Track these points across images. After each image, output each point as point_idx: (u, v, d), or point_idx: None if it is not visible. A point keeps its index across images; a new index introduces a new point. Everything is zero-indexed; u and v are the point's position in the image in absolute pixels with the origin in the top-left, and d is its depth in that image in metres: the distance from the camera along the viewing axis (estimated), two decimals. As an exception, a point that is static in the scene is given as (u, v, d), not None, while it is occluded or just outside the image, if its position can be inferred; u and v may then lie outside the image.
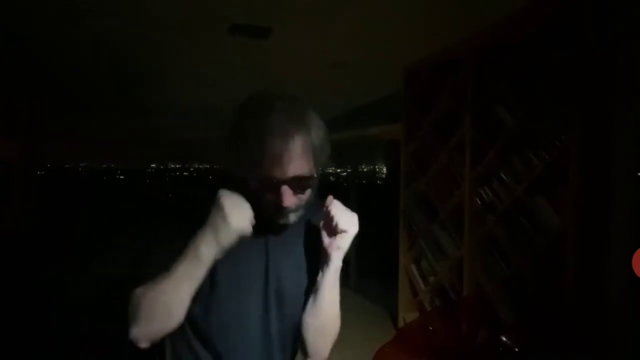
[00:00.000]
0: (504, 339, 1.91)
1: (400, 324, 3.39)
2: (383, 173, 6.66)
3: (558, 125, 2.13)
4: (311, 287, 0.97)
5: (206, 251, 0.81)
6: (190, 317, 0.87)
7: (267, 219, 0.88)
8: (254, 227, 0.84)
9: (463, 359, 2.02)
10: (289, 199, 0.84)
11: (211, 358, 0.93)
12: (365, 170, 6.99)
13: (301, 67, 3.37)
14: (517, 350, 1.85)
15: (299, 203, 0.88)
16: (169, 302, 0.82)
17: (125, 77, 3.73)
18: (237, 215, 0.81)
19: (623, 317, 1.91)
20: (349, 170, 5.68)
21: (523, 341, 1.89)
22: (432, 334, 2.22)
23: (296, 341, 1.01)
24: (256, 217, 0.85)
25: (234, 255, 0.86)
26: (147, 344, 0.83)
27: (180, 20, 2.43)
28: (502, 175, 2.48)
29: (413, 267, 3.35)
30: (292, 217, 0.89)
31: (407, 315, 3.34)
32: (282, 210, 0.86)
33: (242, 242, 0.84)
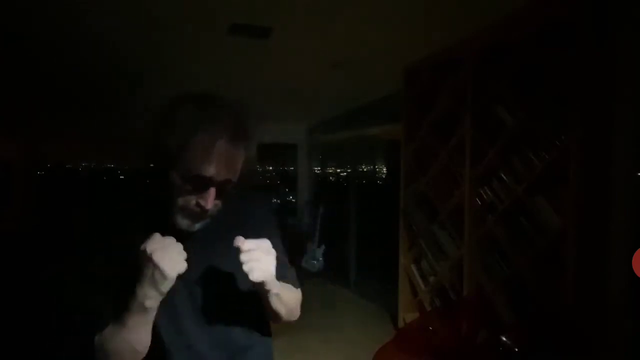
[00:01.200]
0: (504, 339, 1.91)
1: (400, 324, 3.39)
2: (383, 173, 6.66)
3: (558, 125, 2.13)
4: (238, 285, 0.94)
5: (151, 303, 0.80)
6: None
7: (174, 220, 0.87)
8: (172, 229, 0.84)
9: (463, 359, 2.02)
10: (211, 202, 0.84)
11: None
12: (365, 170, 6.98)
13: (301, 67, 3.37)
14: (517, 350, 1.86)
15: (213, 209, 0.86)
16: (133, 345, 0.85)
17: (125, 77, 3.73)
18: (174, 265, 0.78)
19: (623, 317, 1.91)
20: (349, 170, 5.68)
21: (523, 341, 1.89)
22: (432, 334, 2.23)
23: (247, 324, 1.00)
24: (166, 217, 0.86)
25: None
26: None
27: (180, 20, 2.43)
28: (502, 175, 2.48)
29: (413, 267, 3.35)
30: (198, 226, 0.87)
31: (407, 315, 3.34)
32: (201, 214, 0.85)
33: None
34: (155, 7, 2.24)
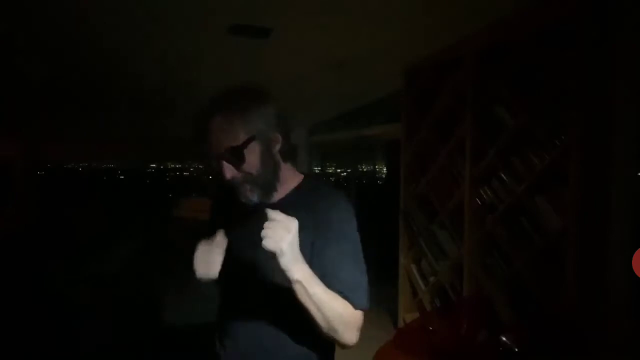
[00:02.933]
0: (504, 339, 1.91)
1: (400, 324, 3.39)
2: (383, 173, 6.65)
3: (558, 125, 2.13)
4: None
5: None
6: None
7: (236, 199, 1.00)
8: (237, 208, 1.03)
9: (463, 359, 2.02)
10: (228, 171, 0.96)
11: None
12: (365, 170, 6.98)
13: (301, 67, 3.37)
14: (517, 350, 1.85)
15: (245, 176, 0.98)
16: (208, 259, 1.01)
17: (125, 77, 3.73)
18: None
19: (623, 317, 1.91)
20: (348, 171, 5.67)
21: (523, 341, 1.89)
22: (432, 334, 2.22)
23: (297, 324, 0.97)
24: (228, 198, 1.03)
25: (236, 230, 1.03)
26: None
27: (180, 20, 2.43)
28: (502, 175, 2.48)
29: (413, 267, 3.35)
30: (249, 192, 0.99)
31: (407, 315, 3.34)
32: (233, 186, 0.98)
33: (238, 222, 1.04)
34: (155, 7, 2.24)
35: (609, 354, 1.91)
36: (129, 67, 3.42)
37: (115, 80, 3.84)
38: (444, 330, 2.21)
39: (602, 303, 1.93)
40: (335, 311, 0.92)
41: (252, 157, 0.97)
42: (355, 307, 0.96)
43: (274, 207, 0.91)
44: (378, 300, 4.41)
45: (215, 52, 3.04)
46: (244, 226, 1.01)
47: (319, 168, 6.64)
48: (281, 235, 0.84)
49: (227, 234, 1.00)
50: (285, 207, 0.93)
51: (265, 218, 0.87)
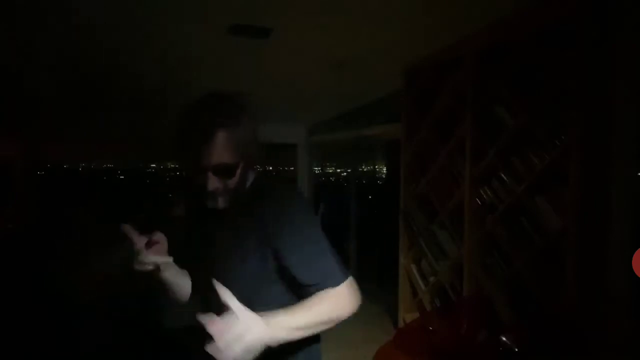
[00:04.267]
0: (504, 339, 1.91)
1: (400, 324, 3.39)
2: (383, 173, 6.65)
3: (558, 125, 2.13)
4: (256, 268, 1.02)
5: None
6: None
7: (202, 203, 1.03)
8: (197, 211, 1.07)
9: (463, 359, 2.02)
10: (213, 183, 0.98)
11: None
12: (365, 170, 6.98)
13: (301, 67, 3.37)
14: (517, 350, 1.85)
15: (225, 188, 1.01)
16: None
17: (125, 78, 3.73)
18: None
19: (623, 317, 1.91)
20: (349, 171, 5.67)
21: (523, 341, 1.89)
22: (432, 334, 2.22)
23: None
24: (194, 201, 1.05)
25: (191, 236, 1.08)
26: None
27: (181, 20, 2.43)
28: (502, 175, 2.48)
29: (413, 267, 3.35)
30: (221, 202, 1.02)
31: (407, 315, 3.34)
32: (209, 194, 0.99)
33: (192, 229, 1.10)
34: (155, 7, 2.24)
35: (609, 354, 1.91)
36: (129, 67, 3.42)
37: (115, 80, 3.84)
38: (444, 330, 2.21)
39: (602, 303, 1.93)
40: (325, 315, 0.94)
41: (238, 172, 1.02)
42: (337, 286, 0.97)
43: (233, 209, 1.03)
44: (378, 300, 4.43)
45: (215, 52, 3.04)
46: (207, 229, 1.09)
47: (319, 168, 6.64)
48: (234, 347, 0.79)
49: (190, 238, 1.06)
50: (244, 208, 1.03)
51: (229, 220, 1.03)
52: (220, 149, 0.96)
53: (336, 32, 2.61)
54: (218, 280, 0.87)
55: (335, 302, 0.96)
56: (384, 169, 6.45)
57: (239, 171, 1.01)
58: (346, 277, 0.98)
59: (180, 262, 1.07)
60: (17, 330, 3.29)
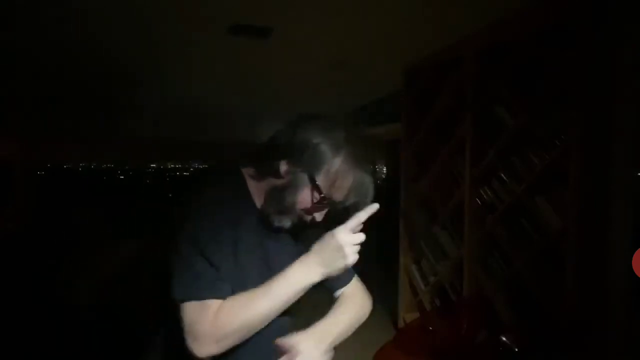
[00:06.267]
0: (504, 339, 1.91)
1: (400, 324, 3.39)
2: (383, 173, 6.65)
3: (558, 125, 2.13)
4: None
5: (314, 280, 0.90)
6: None
7: (270, 219, 0.95)
8: (256, 223, 0.96)
9: (463, 359, 2.02)
10: (325, 218, 0.96)
11: None
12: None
13: (301, 67, 3.37)
14: (517, 350, 1.86)
15: None
16: (266, 321, 0.88)
17: (126, 78, 3.73)
18: (353, 253, 0.90)
19: (623, 317, 1.91)
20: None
21: (523, 341, 1.89)
22: (432, 334, 2.23)
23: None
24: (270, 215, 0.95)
25: (244, 246, 0.94)
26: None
27: (181, 20, 2.43)
28: (502, 175, 2.48)
29: (413, 267, 3.35)
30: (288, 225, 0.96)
31: (407, 315, 3.34)
32: (309, 223, 0.96)
33: (247, 238, 0.94)
34: (156, 7, 2.24)
35: (609, 354, 1.91)
36: (129, 67, 3.43)
37: (115, 81, 3.84)
38: (444, 330, 2.21)
39: (602, 303, 1.93)
40: (354, 320, 1.04)
41: None
42: (351, 281, 1.10)
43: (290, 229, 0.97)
44: (378, 300, 4.42)
45: (215, 52, 3.04)
46: (266, 246, 0.99)
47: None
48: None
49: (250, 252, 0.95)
50: (296, 227, 0.98)
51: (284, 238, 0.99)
52: (357, 190, 0.93)
53: (336, 32, 2.61)
54: None
55: (361, 309, 1.08)
56: (384, 169, 6.44)
57: None
58: (354, 274, 1.11)
59: (238, 269, 0.91)
60: (17, 330, 3.29)
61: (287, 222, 0.95)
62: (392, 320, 3.60)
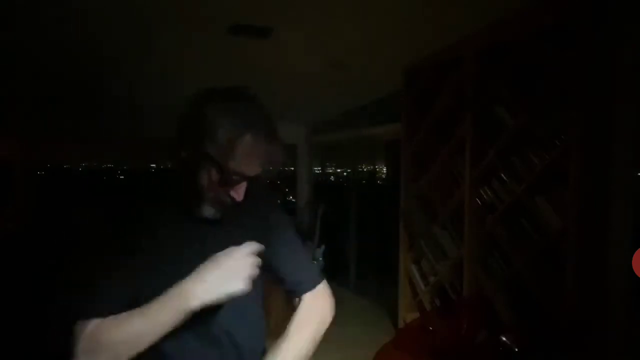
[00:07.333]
0: (504, 339, 1.91)
1: (400, 324, 3.39)
2: (383, 173, 6.65)
3: (558, 125, 2.13)
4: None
5: (194, 305, 0.80)
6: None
7: (195, 210, 0.90)
8: (186, 219, 0.91)
9: (463, 359, 2.02)
10: (240, 195, 0.87)
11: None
12: (365, 170, 6.97)
13: (301, 67, 3.37)
14: (517, 350, 1.86)
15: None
16: (142, 344, 0.81)
17: (126, 78, 3.73)
18: (244, 279, 0.81)
19: (623, 317, 1.91)
20: (349, 170, 5.67)
21: (523, 341, 1.89)
22: (432, 334, 2.23)
23: (253, 339, 1.01)
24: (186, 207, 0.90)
25: (171, 244, 0.90)
26: None
27: (180, 20, 2.43)
28: (502, 175, 2.48)
29: (413, 267, 3.35)
30: (219, 212, 0.91)
31: (407, 315, 3.34)
32: (216, 202, 0.88)
33: (177, 233, 0.90)
34: (155, 7, 2.24)
35: (609, 354, 1.91)
36: (129, 67, 3.42)
37: (115, 80, 3.84)
38: (444, 330, 2.21)
39: (602, 303, 1.93)
40: (315, 334, 0.98)
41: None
42: (316, 287, 1.02)
43: (225, 219, 0.92)
44: (378, 300, 4.43)
45: (215, 52, 3.04)
46: (197, 239, 0.91)
47: (319, 168, 6.64)
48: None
49: (177, 247, 0.89)
50: (234, 218, 0.93)
51: (219, 230, 0.90)
52: (269, 158, 0.87)
53: (336, 32, 2.61)
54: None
55: (321, 319, 1.01)
56: (384, 169, 6.45)
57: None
58: (322, 278, 1.05)
59: (170, 275, 0.83)
60: (16, 330, 3.29)
61: (210, 211, 0.89)
62: (392, 321, 3.61)
